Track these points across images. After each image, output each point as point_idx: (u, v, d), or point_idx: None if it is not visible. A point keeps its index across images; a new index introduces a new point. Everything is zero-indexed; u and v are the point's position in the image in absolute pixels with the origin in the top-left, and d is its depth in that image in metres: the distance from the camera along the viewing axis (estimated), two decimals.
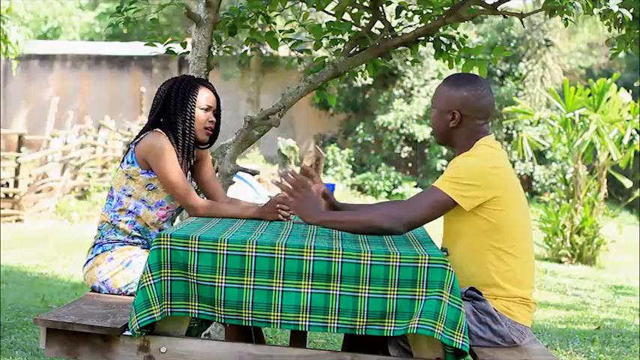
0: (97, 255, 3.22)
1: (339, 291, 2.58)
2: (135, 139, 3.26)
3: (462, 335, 2.55)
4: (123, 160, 3.26)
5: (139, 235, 3.25)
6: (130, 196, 3.22)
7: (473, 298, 2.82)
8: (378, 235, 2.83)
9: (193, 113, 3.24)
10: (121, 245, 3.22)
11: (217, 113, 3.36)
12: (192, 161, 3.35)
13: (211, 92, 3.32)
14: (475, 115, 2.92)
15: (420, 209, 2.74)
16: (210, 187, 3.43)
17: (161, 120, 3.26)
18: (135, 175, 3.21)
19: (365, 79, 4.58)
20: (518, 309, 2.86)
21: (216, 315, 2.60)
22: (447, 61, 4.27)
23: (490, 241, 2.82)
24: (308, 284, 2.58)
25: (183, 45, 4.43)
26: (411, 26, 4.31)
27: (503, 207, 2.81)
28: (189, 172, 3.37)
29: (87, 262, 3.26)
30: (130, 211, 3.22)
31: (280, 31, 4.43)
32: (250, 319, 2.59)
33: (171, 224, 3.35)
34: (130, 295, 3.15)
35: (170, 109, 3.24)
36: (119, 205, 3.23)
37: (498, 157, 2.87)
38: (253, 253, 2.59)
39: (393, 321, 2.57)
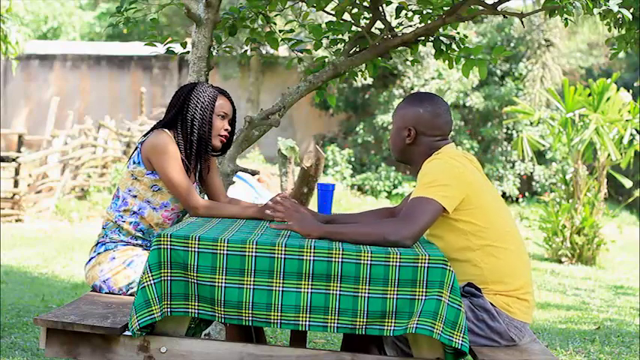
0: (99, 254, 3.24)
1: (339, 291, 2.58)
2: (142, 138, 3.28)
3: (461, 335, 2.55)
4: (129, 160, 3.28)
5: (142, 236, 3.26)
6: (135, 197, 3.24)
7: (470, 295, 2.83)
8: (383, 246, 2.81)
9: (212, 119, 3.27)
10: (124, 245, 3.23)
11: (232, 123, 3.39)
12: (201, 165, 3.37)
13: (229, 102, 3.36)
14: (430, 132, 2.98)
15: (420, 220, 2.74)
16: (214, 186, 3.44)
17: (178, 121, 3.27)
18: (140, 176, 3.22)
19: (365, 79, 4.58)
20: (517, 305, 2.87)
21: (217, 315, 2.60)
22: (447, 61, 4.27)
23: (476, 240, 2.86)
24: (308, 284, 2.58)
25: (183, 45, 4.43)
26: (411, 26, 4.31)
27: (475, 204, 2.85)
28: (197, 176, 3.38)
29: (89, 260, 3.27)
30: (134, 212, 3.24)
31: (280, 31, 4.43)
32: (250, 319, 2.59)
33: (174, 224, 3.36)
34: (131, 294, 3.15)
35: (188, 113, 3.26)
36: (124, 206, 3.25)
37: (458, 159, 2.91)
38: (253, 253, 2.59)
39: (393, 321, 2.58)
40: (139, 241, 3.26)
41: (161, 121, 3.32)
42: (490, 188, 2.96)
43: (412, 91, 17.35)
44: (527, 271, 2.94)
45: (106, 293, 3.19)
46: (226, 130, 3.34)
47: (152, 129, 3.31)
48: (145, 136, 3.29)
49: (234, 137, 4.13)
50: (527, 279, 2.92)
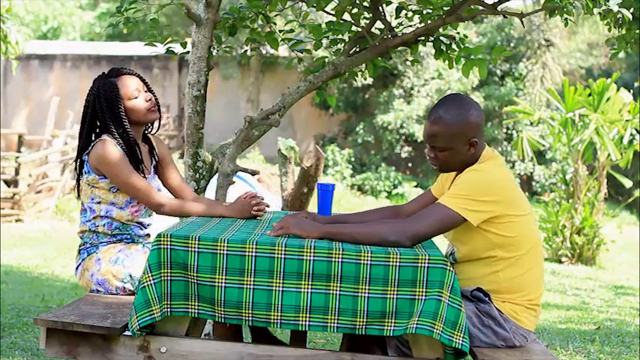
0: (84, 259, 3.25)
1: (339, 291, 2.58)
2: (85, 151, 3.23)
3: (461, 335, 2.55)
4: (80, 173, 3.25)
5: (120, 232, 3.26)
6: (99, 203, 3.24)
7: (477, 300, 2.81)
8: (384, 246, 2.80)
9: (122, 112, 3.22)
10: (105, 245, 3.24)
11: (149, 89, 3.33)
12: (155, 155, 3.37)
13: (130, 76, 3.29)
14: (482, 132, 2.91)
15: (427, 224, 2.71)
16: (173, 182, 3.43)
17: (97, 128, 3.25)
18: (95, 183, 3.21)
19: (365, 79, 4.58)
20: (524, 313, 2.85)
21: (217, 315, 2.60)
22: (447, 61, 4.27)
23: (502, 252, 2.81)
24: (308, 284, 2.58)
25: (183, 45, 4.43)
26: (411, 26, 4.31)
27: (512, 218, 2.79)
28: (153, 170, 3.38)
29: (77, 267, 3.28)
30: (103, 216, 3.24)
31: (280, 31, 4.43)
32: (250, 318, 2.59)
33: (148, 215, 3.36)
34: (129, 291, 3.15)
35: (100, 118, 3.23)
36: (92, 214, 3.25)
37: (500, 170, 2.85)
38: (253, 253, 2.59)
39: (393, 321, 2.57)
40: (118, 237, 3.27)
41: (87, 131, 3.27)
42: (522, 194, 2.90)
43: (412, 91, 17.45)
44: (542, 283, 2.92)
45: (104, 294, 3.18)
46: (149, 101, 3.28)
47: (85, 139, 3.25)
48: (86, 148, 3.23)
49: (235, 137, 4.13)
50: (540, 291, 2.90)
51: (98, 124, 3.26)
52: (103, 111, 3.22)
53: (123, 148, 3.20)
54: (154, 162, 3.38)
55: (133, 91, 3.26)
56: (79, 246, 3.30)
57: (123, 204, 3.24)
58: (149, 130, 3.42)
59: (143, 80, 3.34)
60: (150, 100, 3.30)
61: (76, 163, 3.27)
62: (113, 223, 3.25)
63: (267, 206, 3.26)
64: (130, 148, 3.21)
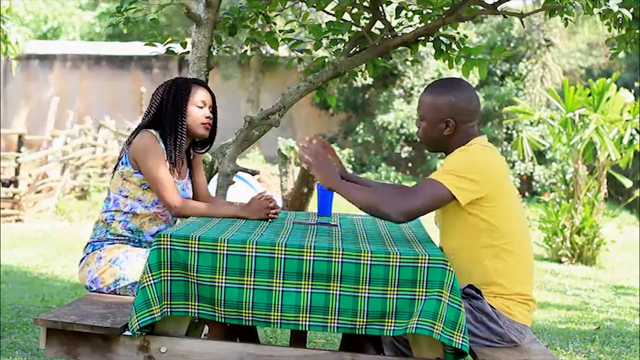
0: (88, 254, 3.27)
1: (339, 291, 2.58)
2: (128, 140, 3.29)
3: (461, 335, 2.55)
4: (118, 162, 3.30)
5: (131, 235, 3.27)
6: (126, 197, 3.26)
7: (470, 297, 2.82)
8: (377, 217, 2.84)
9: (186, 110, 3.27)
10: (110, 244, 3.24)
11: (214, 112, 3.38)
12: (190, 161, 3.41)
13: (205, 90, 3.36)
14: (467, 118, 2.93)
15: (419, 200, 2.75)
16: (195, 183, 3.47)
17: (158, 120, 3.29)
18: (129, 176, 3.24)
19: (365, 79, 4.58)
20: (517, 308, 2.86)
21: (217, 315, 2.60)
22: (447, 61, 4.27)
23: (487, 239, 2.83)
24: (308, 284, 2.58)
25: (183, 45, 4.43)
26: (411, 26, 4.31)
27: (497, 203, 2.82)
28: (188, 171, 3.41)
29: (81, 261, 3.29)
30: (125, 212, 3.25)
31: (280, 31, 4.43)
32: (250, 318, 2.59)
33: (174, 224, 3.36)
34: (119, 293, 3.15)
35: (162, 110, 3.29)
36: (115, 207, 3.26)
37: (490, 154, 2.88)
38: (253, 253, 2.59)
39: (393, 321, 2.58)
40: (128, 238, 3.27)
41: (143, 121, 3.33)
42: (512, 186, 2.93)
43: (412, 91, 17.46)
44: (532, 277, 2.93)
45: (94, 291, 3.19)
46: (208, 117, 3.33)
47: (137, 130, 3.31)
48: (130, 137, 3.29)
49: (235, 137, 4.13)
50: (530, 285, 2.90)
51: (156, 120, 3.30)
52: (168, 105, 3.27)
53: (166, 144, 3.24)
54: (188, 171, 3.41)
55: (201, 100, 3.32)
56: (90, 237, 3.31)
57: (149, 203, 3.26)
58: (202, 147, 3.45)
59: (214, 101, 3.39)
60: (209, 117, 3.34)
61: (122, 151, 3.31)
62: (130, 223, 3.26)
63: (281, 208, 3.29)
64: (172, 145, 3.25)
